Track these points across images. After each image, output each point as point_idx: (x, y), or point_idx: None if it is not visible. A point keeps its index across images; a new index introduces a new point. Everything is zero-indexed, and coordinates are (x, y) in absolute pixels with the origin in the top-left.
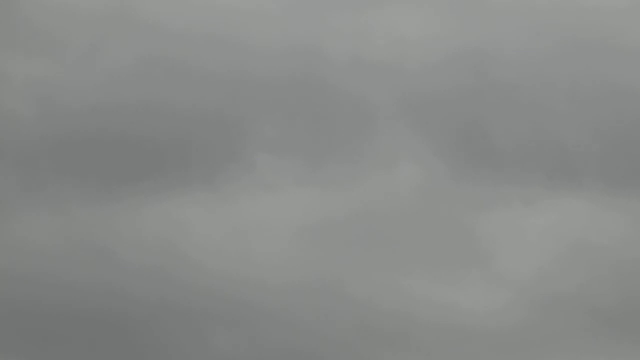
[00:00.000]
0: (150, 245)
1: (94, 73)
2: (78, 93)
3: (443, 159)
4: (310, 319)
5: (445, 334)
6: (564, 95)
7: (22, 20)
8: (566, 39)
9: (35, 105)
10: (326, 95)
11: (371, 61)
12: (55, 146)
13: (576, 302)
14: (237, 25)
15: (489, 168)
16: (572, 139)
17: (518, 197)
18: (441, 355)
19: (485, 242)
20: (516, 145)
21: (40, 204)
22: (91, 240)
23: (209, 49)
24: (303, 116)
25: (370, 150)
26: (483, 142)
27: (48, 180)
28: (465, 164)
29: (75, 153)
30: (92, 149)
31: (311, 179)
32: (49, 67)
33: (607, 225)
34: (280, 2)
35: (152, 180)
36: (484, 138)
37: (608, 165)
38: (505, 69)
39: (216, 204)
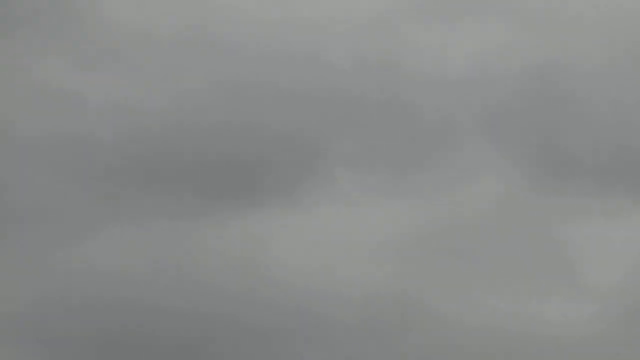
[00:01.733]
0: (232, 262)
1: (173, 95)
2: (157, 115)
3: (524, 171)
4: (395, 334)
5: (530, 346)
6: None
7: (101, 44)
8: None
9: (115, 127)
10: (405, 110)
11: (449, 75)
12: (135, 167)
13: None
14: (314, 42)
15: (570, 180)
16: None
17: (600, 208)
18: None
19: (569, 253)
20: (596, 157)
21: (121, 223)
22: (172, 258)
23: (286, 67)
24: (382, 131)
25: (451, 164)
26: (563, 154)
27: (129, 199)
28: (546, 176)
29: (155, 173)
30: (172, 168)
31: (391, 194)
32: (128, 90)
33: None
34: (356, 19)
35: (233, 197)
36: (563, 150)
37: None
38: (583, 81)
39: (296, 219)
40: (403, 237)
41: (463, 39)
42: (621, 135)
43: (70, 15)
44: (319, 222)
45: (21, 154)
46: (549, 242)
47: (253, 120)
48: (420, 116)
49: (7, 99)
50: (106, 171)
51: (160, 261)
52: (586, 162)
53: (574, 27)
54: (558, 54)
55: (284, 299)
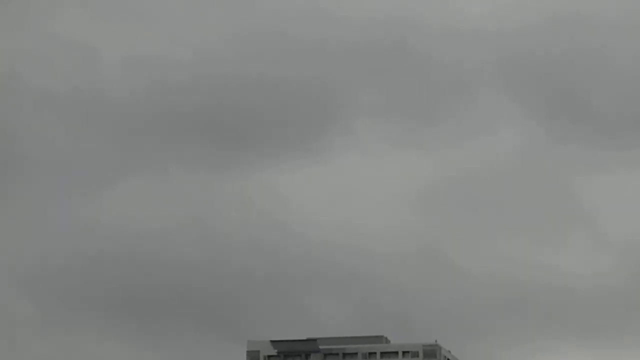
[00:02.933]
0: (251, 214)
1: (192, 49)
2: (176, 67)
3: (542, 123)
4: (413, 285)
5: (548, 296)
6: None
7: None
8: None
9: (132, 80)
10: (422, 62)
11: (465, 28)
12: (153, 120)
13: None
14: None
15: (588, 132)
16: None
17: (618, 160)
18: (545, 316)
19: (587, 205)
20: (615, 109)
21: (139, 175)
22: (191, 209)
23: (306, 20)
24: (400, 82)
25: (469, 115)
26: (581, 106)
27: (147, 152)
28: (564, 128)
29: (174, 125)
30: (191, 121)
31: (410, 144)
32: (144, 43)
33: None
34: None
35: (253, 149)
36: (582, 102)
37: None
38: (602, 33)
39: (315, 170)
40: (421, 188)
41: None
42: None
43: None
44: (337, 173)
45: (34, 106)
46: (566, 194)
47: (271, 73)
48: (438, 68)
49: (20, 50)
50: (123, 124)
51: (179, 213)
52: (606, 114)
53: None
54: (578, 6)
55: (303, 252)
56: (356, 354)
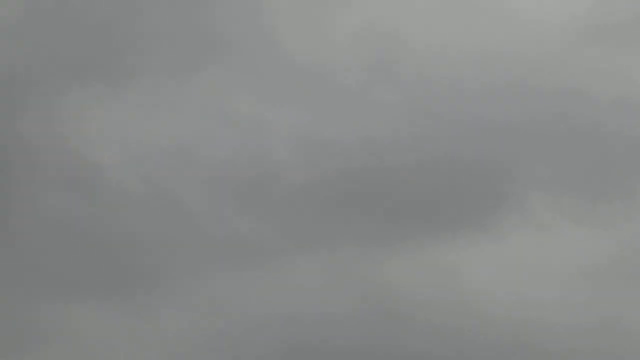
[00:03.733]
0: (424, 290)
1: (358, 125)
2: (344, 143)
3: None
4: (593, 357)
5: None
6: None
7: (286, 79)
8: None
9: (296, 148)
10: (595, 135)
11: (637, 100)
12: (322, 193)
13: None
14: (505, 73)
15: None
16: None
17: None
18: None
19: None
20: None
21: (309, 249)
22: (362, 285)
23: (474, 97)
24: (573, 157)
25: None
26: None
27: (315, 222)
28: None
29: (343, 199)
30: (360, 194)
31: (583, 219)
32: (307, 112)
33: None
34: (541, 48)
35: (425, 223)
36: None
37: None
38: None
39: (489, 246)
40: (598, 263)
41: None
42: None
43: (258, 52)
44: (511, 248)
45: (209, 181)
46: None
47: (444, 148)
48: (611, 142)
49: (198, 128)
50: (292, 197)
51: (350, 288)
52: None
53: None
54: None
55: (478, 328)
56: None
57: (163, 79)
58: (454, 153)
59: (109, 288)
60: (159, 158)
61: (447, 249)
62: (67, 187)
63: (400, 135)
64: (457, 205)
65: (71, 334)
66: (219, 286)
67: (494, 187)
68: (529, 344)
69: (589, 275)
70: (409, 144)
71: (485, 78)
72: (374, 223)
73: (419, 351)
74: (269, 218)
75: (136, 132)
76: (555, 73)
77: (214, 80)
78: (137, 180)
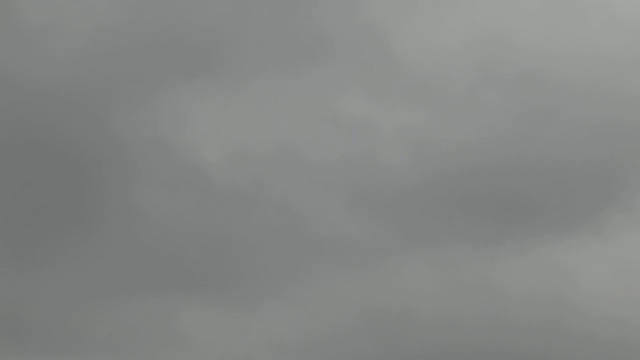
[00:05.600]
0: (535, 290)
1: (465, 126)
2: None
3: None
4: None
5: None
6: None
7: (391, 70)
8: None
9: (405, 149)
10: None
11: None
12: (428, 189)
13: None
14: (614, 75)
15: None
16: None
17: None
18: None
19: None
20: None
21: (417, 246)
22: (470, 284)
23: (582, 97)
24: None
25: None
26: None
27: (424, 223)
28: None
29: (453, 196)
30: (471, 192)
31: None
32: (417, 113)
33: None
34: None
35: (535, 224)
36: None
37: None
38: None
39: (599, 247)
40: None
41: None
42: None
43: (367, 54)
44: (619, 249)
45: (319, 182)
46: None
47: (552, 150)
48: None
49: (305, 129)
50: (401, 198)
51: (459, 288)
52: None
53: None
54: None
55: (590, 329)
56: None
57: (268, 79)
58: (562, 154)
59: (212, 285)
60: (264, 158)
61: (555, 249)
62: (170, 187)
63: (509, 136)
64: (565, 206)
65: (172, 329)
66: (324, 284)
67: (602, 189)
68: (636, 344)
69: None
70: (517, 145)
71: (592, 79)
72: (483, 224)
73: (528, 349)
74: (379, 219)
75: (240, 132)
76: None
77: (322, 81)
78: (241, 180)
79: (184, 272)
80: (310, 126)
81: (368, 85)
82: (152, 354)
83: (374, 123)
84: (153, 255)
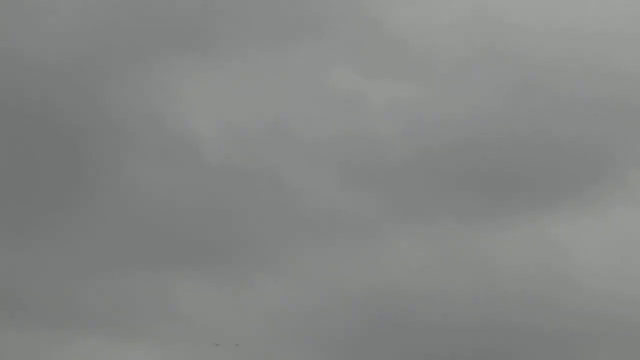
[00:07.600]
0: (524, 264)
1: (460, 100)
2: (444, 115)
3: None
4: None
5: None
6: None
7: (391, 45)
8: None
9: (397, 124)
10: None
11: None
12: (420, 163)
13: None
14: (604, 52)
15: None
16: None
17: None
18: None
19: None
20: None
21: (409, 220)
22: (461, 257)
23: (574, 74)
24: None
25: None
26: None
27: (416, 196)
28: None
29: (442, 171)
30: (461, 167)
31: None
32: (414, 90)
33: None
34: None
35: (524, 198)
36: None
37: None
38: None
39: (588, 221)
40: None
41: None
42: None
43: (358, 26)
44: (611, 224)
45: (311, 156)
46: None
47: (546, 126)
48: None
49: (297, 102)
50: (393, 172)
51: (451, 261)
52: None
53: None
54: None
55: (581, 303)
56: None
57: (260, 55)
58: (555, 130)
59: (205, 258)
60: (256, 132)
61: (548, 222)
62: (163, 161)
63: (500, 111)
64: (556, 180)
65: (166, 303)
66: (317, 258)
67: (592, 163)
68: (626, 317)
69: None
70: (508, 120)
71: (587, 58)
72: (475, 197)
73: (519, 322)
74: (370, 193)
75: (232, 106)
76: None
77: (313, 55)
78: (233, 154)
79: (178, 246)
80: (302, 100)
81: (359, 60)
82: (147, 327)
83: (364, 98)
84: (146, 230)
